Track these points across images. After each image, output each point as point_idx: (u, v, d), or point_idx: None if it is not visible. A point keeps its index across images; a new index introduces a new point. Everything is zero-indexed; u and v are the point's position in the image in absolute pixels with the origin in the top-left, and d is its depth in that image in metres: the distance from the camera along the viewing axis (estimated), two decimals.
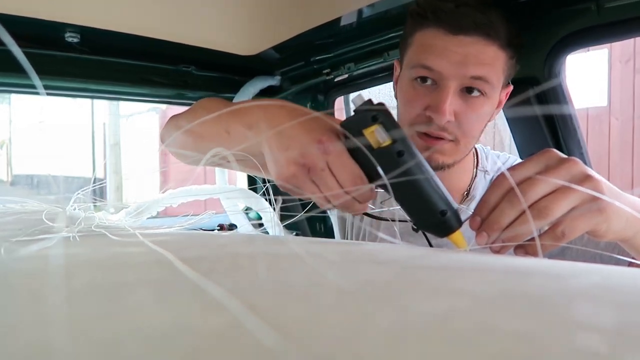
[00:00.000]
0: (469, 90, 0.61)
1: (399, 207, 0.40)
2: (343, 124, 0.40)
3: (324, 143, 0.39)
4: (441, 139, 0.63)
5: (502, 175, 0.40)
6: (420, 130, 0.63)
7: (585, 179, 0.39)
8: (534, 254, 0.39)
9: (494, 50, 0.60)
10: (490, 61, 0.60)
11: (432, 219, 0.38)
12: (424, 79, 0.62)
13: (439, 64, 0.60)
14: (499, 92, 0.65)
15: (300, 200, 0.43)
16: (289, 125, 0.40)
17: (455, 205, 0.39)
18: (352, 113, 0.39)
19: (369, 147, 0.38)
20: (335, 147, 0.39)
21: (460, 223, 0.39)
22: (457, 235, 0.39)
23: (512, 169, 0.40)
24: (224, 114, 0.46)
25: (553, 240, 0.39)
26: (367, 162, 0.38)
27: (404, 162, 0.37)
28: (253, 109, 0.45)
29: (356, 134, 0.38)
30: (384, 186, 0.38)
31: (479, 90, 0.61)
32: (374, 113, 0.38)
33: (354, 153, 0.39)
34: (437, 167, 0.66)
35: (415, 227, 0.41)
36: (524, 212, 0.38)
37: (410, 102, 0.64)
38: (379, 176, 0.37)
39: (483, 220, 0.40)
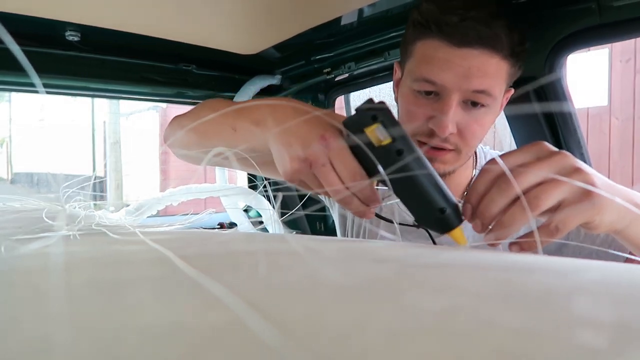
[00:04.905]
0: (472, 102, 0.61)
1: (400, 201, 0.40)
2: (345, 123, 0.40)
3: (327, 139, 0.39)
4: (443, 149, 0.63)
5: (491, 160, 0.40)
6: (422, 141, 0.63)
7: (574, 171, 0.39)
8: (528, 249, 0.39)
9: (497, 61, 0.59)
10: (493, 73, 0.59)
11: (431, 216, 0.39)
12: (427, 92, 0.62)
13: (442, 77, 0.59)
14: (500, 100, 0.65)
15: (300, 198, 0.43)
16: (294, 123, 0.41)
17: (455, 201, 0.39)
18: (353, 112, 0.40)
19: (370, 145, 0.38)
20: (337, 143, 0.39)
21: (460, 220, 0.39)
22: (457, 232, 0.39)
23: (501, 157, 0.40)
24: (229, 112, 0.47)
25: (547, 236, 0.39)
26: (368, 160, 0.38)
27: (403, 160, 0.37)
28: (260, 107, 0.46)
29: (357, 132, 0.38)
30: (384, 184, 0.38)
31: (481, 104, 0.61)
32: (374, 112, 0.38)
33: (356, 151, 0.39)
34: (439, 175, 0.66)
35: (416, 224, 0.41)
36: (514, 200, 0.38)
37: (412, 112, 0.63)
38: (379, 174, 0.37)
39: (474, 208, 0.40)
